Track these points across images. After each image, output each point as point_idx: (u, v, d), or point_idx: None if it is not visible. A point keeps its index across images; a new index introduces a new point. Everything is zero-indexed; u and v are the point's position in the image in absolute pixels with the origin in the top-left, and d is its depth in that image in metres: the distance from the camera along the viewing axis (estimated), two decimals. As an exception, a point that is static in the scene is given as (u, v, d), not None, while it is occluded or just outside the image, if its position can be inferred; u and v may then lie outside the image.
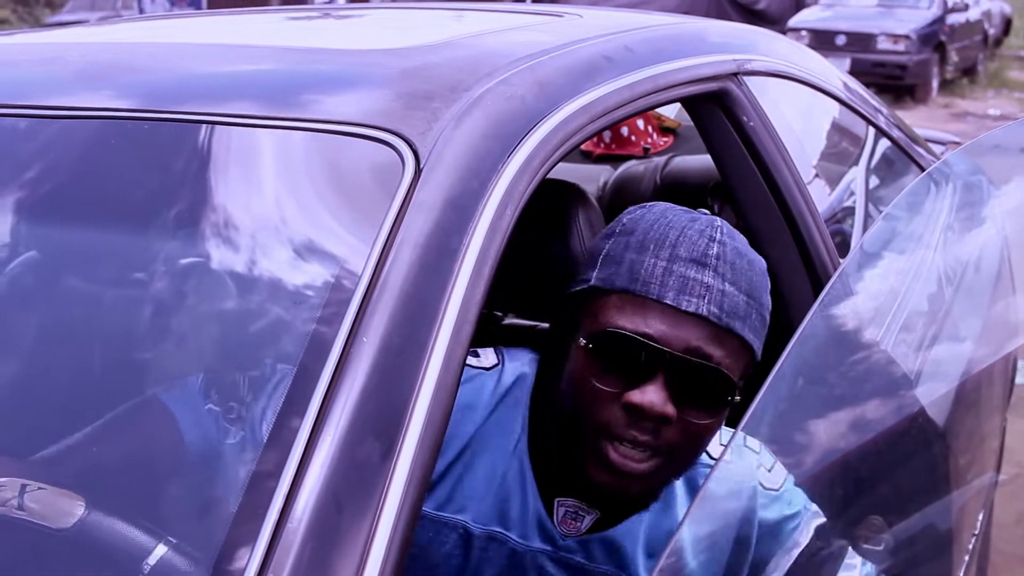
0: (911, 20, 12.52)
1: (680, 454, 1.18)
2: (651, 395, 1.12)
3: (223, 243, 1.06)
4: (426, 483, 0.87)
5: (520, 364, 1.30)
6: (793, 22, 13.07)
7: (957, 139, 3.02)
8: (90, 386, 1.05)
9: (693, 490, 1.30)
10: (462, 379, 1.20)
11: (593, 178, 2.59)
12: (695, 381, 1.14)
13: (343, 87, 1.19)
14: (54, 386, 1.06)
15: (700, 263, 1.16)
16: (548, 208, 1.67)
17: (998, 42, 17.10)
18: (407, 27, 1.80)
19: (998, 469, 2.61)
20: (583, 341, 1.17)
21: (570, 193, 1.74)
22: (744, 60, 1.68)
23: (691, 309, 1.13)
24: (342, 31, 1.85)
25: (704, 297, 1.14)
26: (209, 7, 18.55)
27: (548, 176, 1.19)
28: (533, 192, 1.11)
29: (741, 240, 1.23)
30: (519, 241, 1.27)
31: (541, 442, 1.25)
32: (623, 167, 2.60)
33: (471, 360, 1.28)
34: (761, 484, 1.30)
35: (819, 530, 1.27)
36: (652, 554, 1.28)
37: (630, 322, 1.15)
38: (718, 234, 1.19)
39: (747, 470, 1.28)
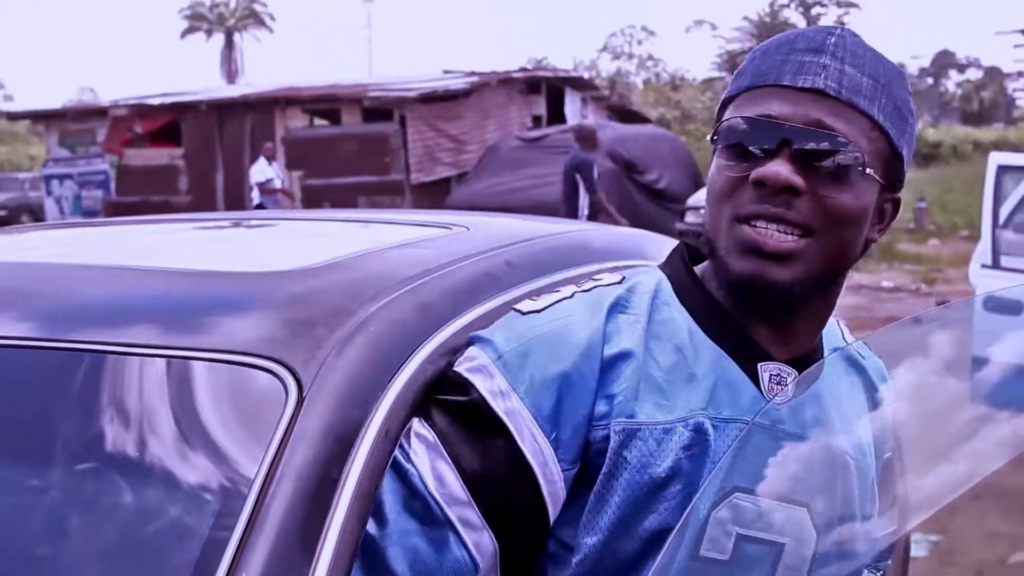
0: (804, 198, 13.05)
1: (823, 236, 1.17)
2: (775, 166, 1.15)
3: (106, 474, 1.07)
4: None
5: (646, 272, 1.32)
6: (691, 200, 13.59)
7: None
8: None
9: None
10: (608, 307, 1.21)
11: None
12: (821, 153, 1.16)
13: (230, 313, 1.22)
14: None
15: (817, 50, 1.19)
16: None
17: (888, 216, 17.88)
18: (307, 240, 1.86)
19: (901, 649, 2.62)
20: (710, 138, 1.22)
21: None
22: (625, 267, 1.76)
23: (807, 85, 1.17)
24: (242, 246, 1.89)
25: (820, 75, 1.17)
26: (117, 191, 18.75)
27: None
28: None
29: (872, 48, 1.24)
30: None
31: (711, 309, 1.25)
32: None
33: (593, 282, 1.27)
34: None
35: None
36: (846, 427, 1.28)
37: (751, 110, 1.19)
38: (838, 30, 1.23)
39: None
